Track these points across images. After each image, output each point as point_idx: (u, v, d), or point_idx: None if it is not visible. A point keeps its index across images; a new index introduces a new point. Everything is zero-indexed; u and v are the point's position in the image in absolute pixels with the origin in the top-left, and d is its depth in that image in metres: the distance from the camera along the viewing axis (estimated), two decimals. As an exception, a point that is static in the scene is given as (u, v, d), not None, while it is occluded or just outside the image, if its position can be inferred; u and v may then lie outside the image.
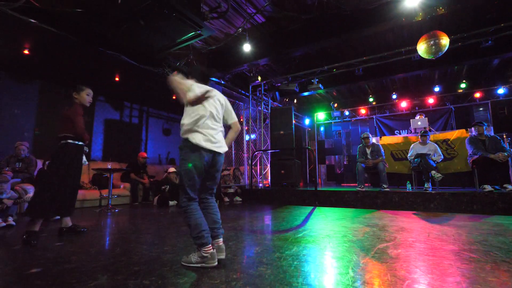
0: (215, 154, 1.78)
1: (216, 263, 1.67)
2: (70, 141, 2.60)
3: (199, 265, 1.65)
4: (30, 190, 4.04)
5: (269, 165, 7.45)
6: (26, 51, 4.92)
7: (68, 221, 2.70)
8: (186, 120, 1.77)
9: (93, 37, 4.52)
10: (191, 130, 1.74)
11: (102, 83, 6.53)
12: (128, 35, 4.20)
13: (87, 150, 2.89)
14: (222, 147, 1.83)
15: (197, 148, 1.71)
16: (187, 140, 1.74)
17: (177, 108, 8.35)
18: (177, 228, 2.97)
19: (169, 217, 3.97)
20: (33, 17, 3.87)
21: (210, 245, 1.67)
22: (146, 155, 6.62)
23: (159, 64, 5.48)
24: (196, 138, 1.72)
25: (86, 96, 2.83)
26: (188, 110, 1.81)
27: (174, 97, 7.67)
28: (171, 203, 5.51)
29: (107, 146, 6.89)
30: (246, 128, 8.00)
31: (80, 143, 2.69)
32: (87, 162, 2.94)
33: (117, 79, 6.34)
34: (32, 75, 5.76)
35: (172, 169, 6.02)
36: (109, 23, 3.92)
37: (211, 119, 1.82)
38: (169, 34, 4.15)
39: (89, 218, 3.79)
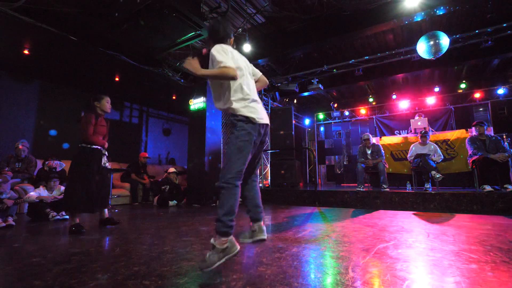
0: (266, 126, 1.73)
1: (238, 247, 1.55)
2: (83, 144, 2.92)
3: (224, 259, 1.49)
4: (30, 190, 4.05)
5: (269, 165, 7.45)
6: (26, 51, 4.93)
7: (105, 214, 3.12)
8: (233, 94, 1.65)
9: (93, 37, 4.53)
10: (242, 104, 1.65)
11: (102, 83, 6.54)
12: (128, 35, 4.20)
13: (106, 154, 3.12)
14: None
15: (252, 121, 1.63)
16: (240, 114, 1.63)
17: (177, 108, 8.36)
18: (177, 228, 2.97)
19: (169, 217, 3.97)
20: (33, 17, 3.88)
21: None
22: (147, 155, 6.63)
23: (159, 64, 5.49)
24: (248, 111, 1.64)
25: (106, 103, 3.10)
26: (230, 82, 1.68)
27: (174, 97, 7.69)
28: (171, 203, 5.52)
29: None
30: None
31: (95, 146, 2.97)
32: (107, 164, 3.12)
33: (117, 79, 6.35)
34: (32, 75, 5.76)
35: (172, 169, 6.03)
36: (109, 23, 3.93)
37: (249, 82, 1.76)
38: (169, 34, 4.15)
39: (88, 218, 3.79)
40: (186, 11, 3.64)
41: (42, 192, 3.78)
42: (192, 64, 1.58)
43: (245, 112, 1.63)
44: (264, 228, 1.73)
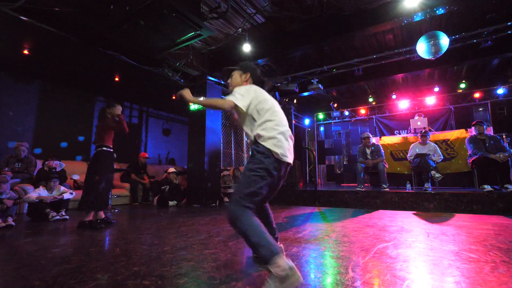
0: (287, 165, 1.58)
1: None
2: (104, 148, 3.24)
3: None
4: (30, 190, 4.05)
5: (269, 165, 7.43)
6: (26, 51, 4.93)
7: (101, 214, 3.23)
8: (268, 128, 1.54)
9: (93, 37, 4.52)
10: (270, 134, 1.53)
11: (102, 83, 6.54)
12: (128, 35, 4.19)
13: (115, 156, 3.44)
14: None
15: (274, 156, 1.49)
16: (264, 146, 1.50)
17: (177, 108, 8.37)
18: (177, 228, 2.97)
19: (169, 217, 3.97)
20: (33, 17, 3.87)
21: None
22: (147, 155, 6.63)
23: (159, 64, 5.48)
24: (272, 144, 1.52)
25: (118, 111, 3.40)
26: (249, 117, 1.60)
27: (174, 97, 7.68)
28: (171, 203, 5.52)
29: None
30: (246, 128, 7.99)
31: (111, 150, 3.31)
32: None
33: (116, 79, 6.35)
34: (32, 75, 5.76)
35: (172, 169, 6.02)
36: (108, 23, 3.92)
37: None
38: (168, 34, 4.15)
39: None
40: (186, 11, 3.63)
41: (42, 192, 3.78)
42: (186, 93, 1.61)
43: (269, 144, 1.48)
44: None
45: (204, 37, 4.34)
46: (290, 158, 1.53)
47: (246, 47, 5.12)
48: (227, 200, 6.13)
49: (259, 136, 1.51)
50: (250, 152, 1.65)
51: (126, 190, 5.93)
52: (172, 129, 8.74)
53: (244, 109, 1.54)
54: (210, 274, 1.54)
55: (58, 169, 4.64)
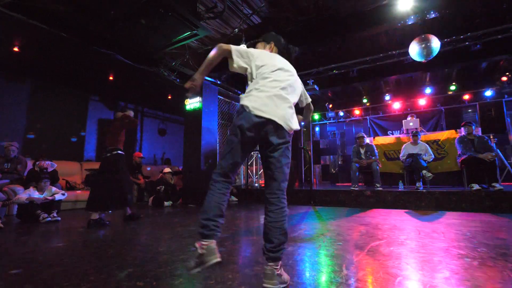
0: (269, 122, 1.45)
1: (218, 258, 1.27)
2: (120, 152, 3.40)
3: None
4: (20, 191, 3.94)
5: (264, 165, 7.45)
6: (16, 49, 4.81)
7: (127, 211, 3.49)
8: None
9: (87, 35, 4.45)
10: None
11: (96, 82, 6.45)
12: (124, 34, 4.16)
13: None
14: None
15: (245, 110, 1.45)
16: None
17: (172, 108, 8.31)
18: (172, 229, 2.96)
19: (164, 217, 3.94)
20: (24, 14, 3.79)
21: None
22: (141, 155, 6.56)
23: (155, 63, 5.44)
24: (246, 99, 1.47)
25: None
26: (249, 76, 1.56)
27: (169, 97, 7.64)
28: (166, 203, 5.47)
29: (101, 146, 6.80)
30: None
31: (121, 152, 3.43)
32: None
33: (111, 78, 6.27)
34: (23, 74, 5.64)
35: (167, 169, 5.97)
36: (104, 22, 3.88)
37: None
38: (165, 33, 4.12)
39: (82, 219, 3.74)
40: (182, 11, 3.62)
41: (32, 193, 3.66)
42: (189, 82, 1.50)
43: (244, 100, 1.40)
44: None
45: (200, 37, 4.33)
46: (267, 114, 1.33)
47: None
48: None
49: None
50: None
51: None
52: (168, 129, 8.68)
53: (235, 65, 1.49)
54: (206, 274, 1.54)
55: (49, 170, 4.53)
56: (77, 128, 6.45)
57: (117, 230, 2.98)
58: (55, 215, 3.61)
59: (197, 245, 1.22)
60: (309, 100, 1.80)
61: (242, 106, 1.38)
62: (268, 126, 1.34)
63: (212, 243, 1.22)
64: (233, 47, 1.50)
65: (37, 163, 4.58)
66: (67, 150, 6.15)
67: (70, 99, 6.38)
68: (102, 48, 4.65)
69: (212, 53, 1.48)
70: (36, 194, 3.68)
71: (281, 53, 1.74)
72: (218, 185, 1.36)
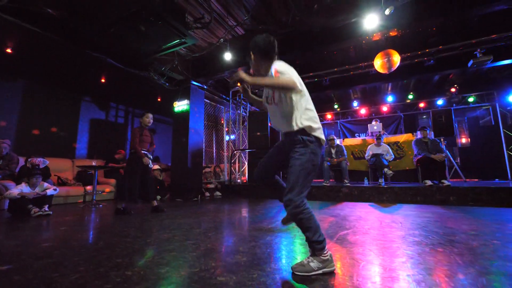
0: None
1: (334, 266, 1.39)
2: (132, 151, 3.47)
3: (321, 271, 1.33)
4: (11, 187, 3.68)
5: (246, 163, 7.45)
6: (8, 50, 4.48)
7: (154, 203, 3.57)
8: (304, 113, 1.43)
9: (79, 39, 4.22)
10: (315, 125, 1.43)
11: (88, 84, 6.13)
12: (115, 39, 3.98)
13: (151, 157, 3.64)
14: None
15: (321, 145, 1.46)
16: (315, 136, 1.42)
17: (162, 109, 8.07)
18: (160, 221, 2.87)
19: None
20: (18, 17, 3.53)
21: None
22: (124, 152, 6.17)
23: (145, 68, 5.25)
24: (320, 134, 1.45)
25: (146, 119, 3.65)
26: (299, 99, 1.43)
27: (159, 99, 7.41)
28: (155, 198, 5.30)
29: (92, 145, 6.47)
30: (226, 129, 7.93)
31: (144, 151, 3.52)
32: (151, 165, 3.63)
33: (103, 80, 5.98)
34: (15, 74, 5.24)
35: (156, 166, 5.79)
36: (96, 27, 3.69)
37: None
38: (155, 40, 4.00)
39: (73, 213, 3.54)
40: (172, 20, 3.52)
41: (24, 188, 3.44)
42: (243, 74, 1.37)
43: (319, 134, 1.43)
44: None
45: (188, 45, 4.24)
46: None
47: (227, 56, 5.07)
48: (208, 194, 6.03)
49: (310, 127, 1.40)
50: (291, 140, 1.45)
51: (112, 186, 5.61)
52: (157, 128, 8.42)
53: (299, 90, 1.37)
54: (191, 262, 1.50)
55: (41, 166, 4.25)
56: (68, 127, 6.09)
57: (106, 222, 2.84)
58: (46, 209, 3.39)
59: (320, 256, 1.37)
60: None
61: (319, 139, 1.43)
62: None
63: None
64: (297, 82, 1.36)
65: (29, 159, 4.27)
66: (59, 148, 5.79)
67: (63, 99, 6.01)
68: (94, 52, 4.43)
69: (283, 83, 1.32)
70: (28, 190, 3.45)
71: (266, 52, 1.54)
72: (310, 209, 1.43)
